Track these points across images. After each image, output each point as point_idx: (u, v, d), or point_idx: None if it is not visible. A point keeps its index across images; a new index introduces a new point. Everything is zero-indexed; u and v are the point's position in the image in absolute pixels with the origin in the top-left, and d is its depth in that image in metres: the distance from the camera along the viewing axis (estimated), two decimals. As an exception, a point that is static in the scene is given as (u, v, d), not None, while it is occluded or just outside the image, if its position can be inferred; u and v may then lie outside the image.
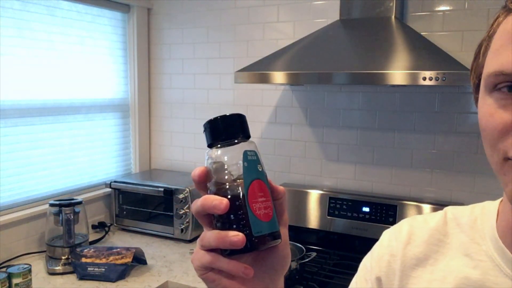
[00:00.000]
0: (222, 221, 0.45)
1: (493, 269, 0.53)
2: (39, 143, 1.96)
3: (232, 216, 0.45)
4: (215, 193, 0.46)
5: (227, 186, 0.46)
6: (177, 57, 2.38)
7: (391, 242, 0.64)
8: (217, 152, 0.47)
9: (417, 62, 1.51)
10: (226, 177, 0.46)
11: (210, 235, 0.45)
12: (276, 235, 0.47)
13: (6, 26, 1.78)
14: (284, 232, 0.49)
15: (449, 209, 0.62)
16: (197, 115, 2.36)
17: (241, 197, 0.45)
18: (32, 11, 1.88)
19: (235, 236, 0.43)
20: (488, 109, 0.48)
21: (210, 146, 0.48)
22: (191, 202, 1.98)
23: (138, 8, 2.35)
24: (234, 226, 0.45)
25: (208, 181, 0.47)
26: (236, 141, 0.47)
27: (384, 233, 0.67)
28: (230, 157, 0.46)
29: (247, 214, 0.44)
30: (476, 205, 0.60)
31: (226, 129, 0.47)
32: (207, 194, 0.47)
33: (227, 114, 0.47)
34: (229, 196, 0.45)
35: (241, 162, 0.46)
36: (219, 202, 0.44)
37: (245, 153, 0.46)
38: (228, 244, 0.43)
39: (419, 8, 1.81)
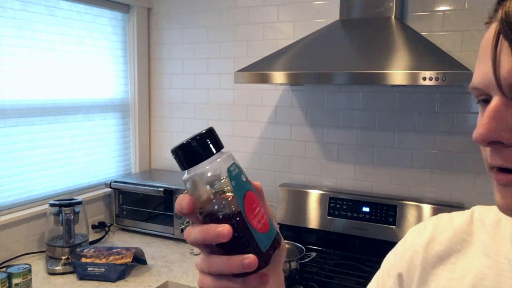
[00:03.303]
0: (227, 247, 0.42)
1: (510, 271, 0.53)
2: (39, 143, 1.96)
3: (236, 239, 0.42)
4: (212, 221, 0.43)
5: (222, 211, 0.42)
6: (177, 57, 2.38)
7: (414, 239, 0.64)
8: (196, 177, 0.43)
9: (417, 62, 1.51)
10: (214, 201, 0.42)
11: (219, 262, 0.43)
12: (278, 238, 0.46)
13: (6, 26, 1.78)
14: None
15: (476, 208, 0.62)
16: (197, 115, 2.36)
17: (239, 218, 0.42)
18: (32, 11, 1.88)
19: (247, 259, 0.42)
20: (478, 120, 0.49)
21: (185, 170, 0.44)
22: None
23: (138, 8, 2.35)
24: (240, 248, 0.42)
25: (195, 207, 0.44)
26: (211, 160, 0.43)
27: (409, 230, 0.67)
28: (211, 179, 0.43)
29: (251, 234, 0.42)
30: None
31: (199, 152, 0.43)
32: (199, 220, 0.44)
33: (195, 134, 0.43)
34: (228, 221, 0.42)
35: (223, 177, 0.42)
36: (221, 230, 0.41)
37: (229, 171, 0.43)
38: (241, 268, 0.42)
39: (419, 8, 1.81)
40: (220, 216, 0.42)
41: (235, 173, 0.43)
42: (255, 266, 0.42)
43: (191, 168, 0.43)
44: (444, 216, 0.64)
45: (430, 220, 0.65)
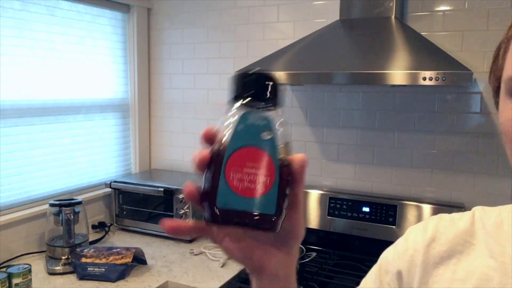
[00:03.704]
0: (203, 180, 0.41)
1: None
2: (39, 143, 1.96)
3: (205, 178, 0.40)
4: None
5: (215, 146, 0.40)
6: (177, 57, 2.38)
7: (416, 237, 0.63)
8: (231, 111, 0.41)
9: (417, 62, 1.51)
10: (221, 136, 0.41)
11: None
12: (250, 220, 0.39)
13: (6, 26, 1.78)
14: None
15: (477, 209, 0.62)
16: (197, 115, 2.36)
17: (218, 158, 0.39)
18: (32, 11, 1.88)
19: (187, 187, 0.40)
20: (510, 114, 0.47)
21: (234, 99, 0.42)
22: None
23: (138, 8, 2.35)
24: (205, 189, 0.40)
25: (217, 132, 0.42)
26: (257, 104, 0.41)
27: (410, 229, 0.66)
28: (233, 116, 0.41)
29: (217, 180, 0.39)
30: (506, 207, 0.60)
31: (247, 89, 0.41)
32: None
33: (260, 72, 0.41)
34: (212, 155, 0.40)
35: (240, 117, 0.40)
36: (198, 154, 0.40)
37: (245, 115, 0.40)
38: (185, 194, 0.41)
39: (419, 8, 1.81)
40: (214, 148, 0.40)
41: (251, 122, 0.40)
42: (187, 196, 0.40)
43: (236, 103, 0.41)
44: (445, 217, 0.64)
45: (431, 219, 0.65)
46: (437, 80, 1.37)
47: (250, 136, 0.39)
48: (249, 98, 0.41)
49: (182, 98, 2.40)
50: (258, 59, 1.81)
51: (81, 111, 2.15)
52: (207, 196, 0.39)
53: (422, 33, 1.71)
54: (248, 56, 2.16)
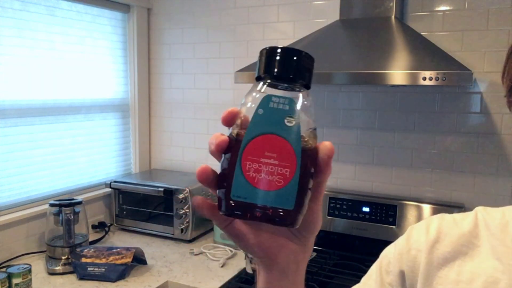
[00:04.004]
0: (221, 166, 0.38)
1: None
2: (39, 143, 1.96)
3: (222, 165, 0.37)
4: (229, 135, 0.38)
5: (234, 131, 0.37)
6: (177, 57, 2.38)
7: (419, 237, 0.62)
8: (253, 92, 0.37)
9: (417, 62, 1.51)
10: (240, 120, 0.37)
11: None
12: (273, 214, 0.36)
13: (6, 26, 1.78)
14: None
15: (479, 210, 0.61)
16: (197, 115, 2.36)
17: (235, 144, 0.36)
18: (32, 11, 1.88)
19: (201, 169, 0.37)
20: None
21: (257, 79, 0.38)
22: (191, 202, 1.98)
23: (138, 8, 2.35)
24: (220, 176, 0.37)
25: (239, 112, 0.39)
26: (282, 85, 0.37)
27: (411, 228, 0.65)
28: (256, 96, 0.37)
29: (233, 170, 0.36)
30: (509, 208, 0.59)
31: (272, 67, 0.36)
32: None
33: (289, 48, 0.37)
34: (230, 140, 0.36)
35: (260, 101, 0.36)
36: (216, 139, 0.37)
37: (267, 98, 0.36)
38: (198, 174, 0.38)
39: (419, 8, 1.81)
40: (232, 133, 0.37)
41: (274, 106, 0.35)
42: (201, 178, 0.37)
43: (263, 82, 0.37)
44: (446, 217, 0.63)
45: (432, 220, 0.64)
46: (437, 80, 1.37)
47: (270, 122, 0.35)
48: (273, 78, 0.37)
49: (182, 98, 2.40)
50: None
51: (81, 111, 2.15)
52: (222, 185, 0.37)
53: (422, 33, 1.71)
54: (248, 56, 2.16)
